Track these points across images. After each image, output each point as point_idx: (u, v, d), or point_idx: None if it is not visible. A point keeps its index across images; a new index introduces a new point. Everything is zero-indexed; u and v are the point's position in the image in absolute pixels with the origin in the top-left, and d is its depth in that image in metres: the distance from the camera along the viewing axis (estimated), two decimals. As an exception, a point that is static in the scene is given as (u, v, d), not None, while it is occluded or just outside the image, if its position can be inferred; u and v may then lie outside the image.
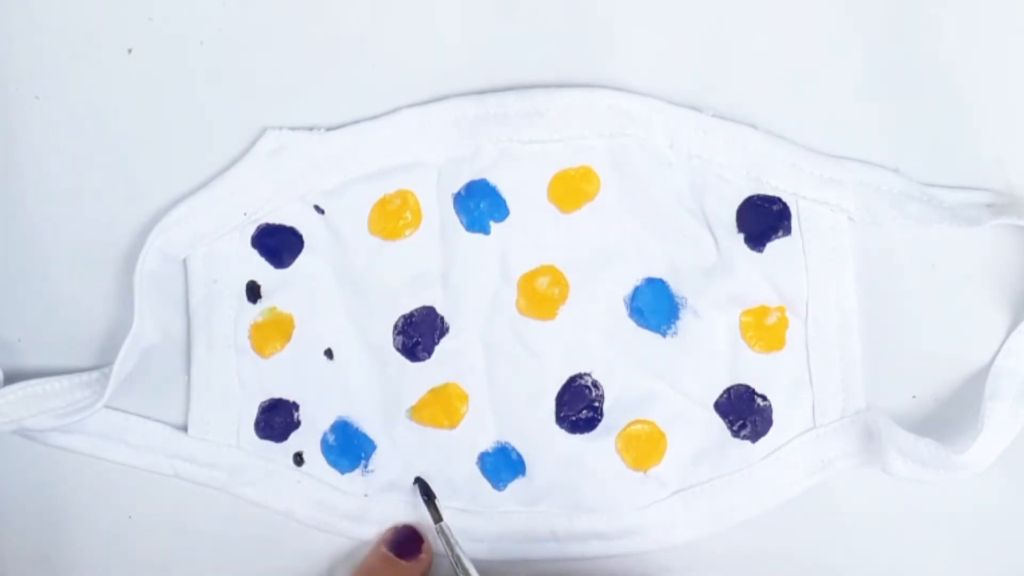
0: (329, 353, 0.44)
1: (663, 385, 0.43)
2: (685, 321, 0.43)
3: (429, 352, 0.43)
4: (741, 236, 0.43)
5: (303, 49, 0.43)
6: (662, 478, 0.43)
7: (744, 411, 0.43)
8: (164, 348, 0.44)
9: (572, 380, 0.43)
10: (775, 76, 0.43)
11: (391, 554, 0.42)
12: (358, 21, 0.43)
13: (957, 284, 0.43)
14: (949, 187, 0.42)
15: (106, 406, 0.43)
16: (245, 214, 0.43)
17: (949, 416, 0.42)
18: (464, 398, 0.43)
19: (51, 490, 0.45)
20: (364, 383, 0.44)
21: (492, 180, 0.43)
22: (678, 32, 0.43)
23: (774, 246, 0.43)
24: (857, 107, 0.43)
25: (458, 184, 0.43)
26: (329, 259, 0.44)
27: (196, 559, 0.44)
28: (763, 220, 0.43)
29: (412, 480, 0.44)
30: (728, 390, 0.43)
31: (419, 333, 0.43)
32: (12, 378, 0.43)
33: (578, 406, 0.43)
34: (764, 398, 0.43)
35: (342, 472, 0.44)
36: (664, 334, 0.43)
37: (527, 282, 0.43)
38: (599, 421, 0.43)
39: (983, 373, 0.42)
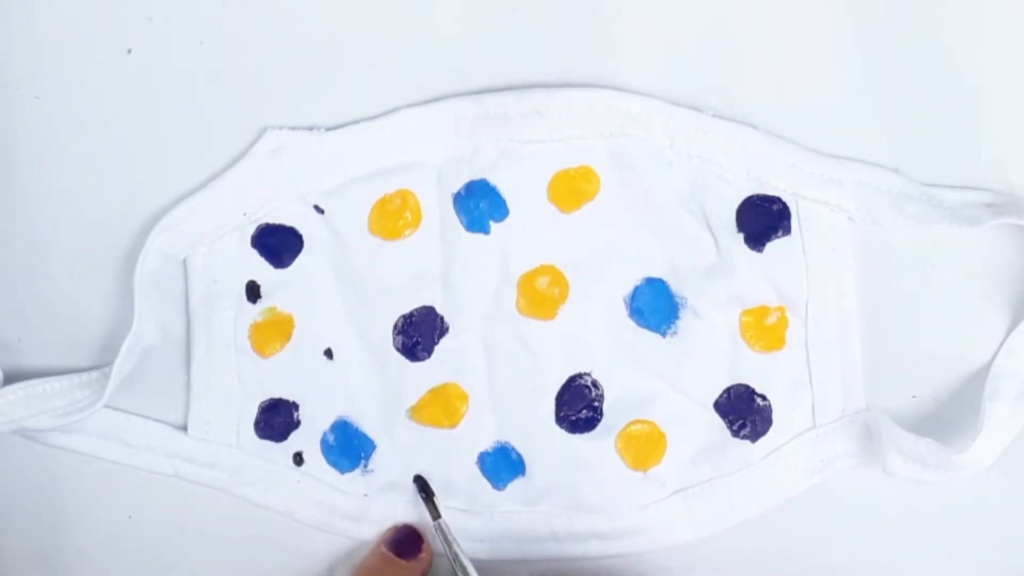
0: (329, 353, 0.44)
1: (663, 385, 0.43)
2: (685, 321, 0.43)
3: (429, 352, 0.43)
4: (741, 236, 0.43)
5: (303, 49, 0.43)
6: (662, 478, 0.43)
7: (744, 411, 0.43)
8: (164, 348, 0.44)
9: (572, 380, 0.43)
10: (775, 76, 0.43)
11: (391, 554, 0.42)
12: (358, 21, 0.43)
13: (957, 284, 0.43)
14: (949, 187, 0.42)
15: (106, 406, 0.43)
16: (245, 214, 0.43)
17: (949, 416, 0.42)
18: (464, 398, 0.43)
19: (51, 490, 0.45)
20: (364, 383, 0.44)
21: (492, 180, 0.43)
22: (678, 32, 0.43)
23: (774, 246, 0.43)
24: (857, 107, 0.43)
25: (458, 184, 0.43)
26: (329, 259, 0.44)
27: (196, 559, 0.44)
28: (763, 220, 0.43)
29: (412, 479, 0.44)
30: (728, 390, 0.43)
31: (419, 333, 0.43)
32: (12, 378, 0.43)
33: (578, 406, 0.43)
34: (764, 398, 0.43)
35: (342, 472, 0.44)
36: (664, 334, 0.43)
37: (527, 282, 0.43)
38: (599, 421, 0.43)
39: (983, 373, 0.42)
